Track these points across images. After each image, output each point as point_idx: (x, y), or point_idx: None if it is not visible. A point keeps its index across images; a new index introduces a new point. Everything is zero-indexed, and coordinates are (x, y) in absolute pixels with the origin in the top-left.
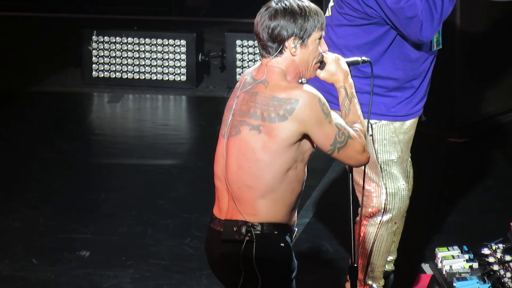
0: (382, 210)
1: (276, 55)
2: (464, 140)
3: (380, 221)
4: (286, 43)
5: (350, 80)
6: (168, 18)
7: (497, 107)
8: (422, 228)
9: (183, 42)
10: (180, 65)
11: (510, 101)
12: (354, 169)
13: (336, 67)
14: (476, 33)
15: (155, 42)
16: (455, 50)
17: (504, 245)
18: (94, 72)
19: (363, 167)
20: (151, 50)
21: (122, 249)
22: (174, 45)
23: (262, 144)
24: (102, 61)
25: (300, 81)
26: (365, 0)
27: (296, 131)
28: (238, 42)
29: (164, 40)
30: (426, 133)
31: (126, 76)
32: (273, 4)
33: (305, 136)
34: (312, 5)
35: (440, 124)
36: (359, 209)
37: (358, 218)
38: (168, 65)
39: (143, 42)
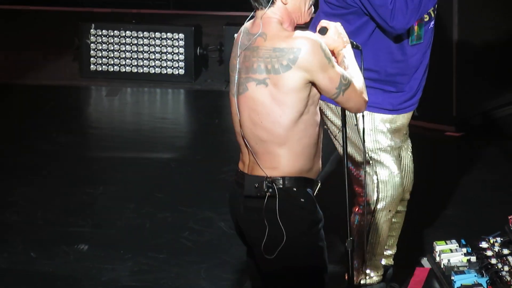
0: (375, 198)
1: (268, 6)
2: (461, 134)
3: (374, 209)
4: None
5: (350, 49)
6: (166, 12)
7: (494, 101)
8: (420, 222)
9: (181, 35)
10: (178, 59)
11: (506, 95)
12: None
13: (338, 32)
14: (473, 27)
15: (153, 36)
16: (452, 44)
17: (502, 239)
18: (92, 66)
19: (354, 155)
20: (149, 43)
21: (121, 242)
22: (172, 39)
23: (271, 96)
24: (100, 54)
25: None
26: None
27: (302, 79)
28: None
29: (162, 33)
30: (423, 126)
31: (124, 70)
32: None
33: (312, 82)
34: None
35: (437, 118)
36: (355, 199)
37: (354, 208)
38: (167, 58)
39: (141, 35)
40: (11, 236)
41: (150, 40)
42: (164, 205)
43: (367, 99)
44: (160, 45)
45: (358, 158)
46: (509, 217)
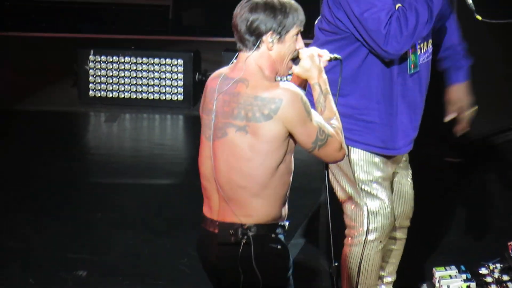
0: (366, 229)
1: (253, 50)
2: (460, 160)
3: (364, 240)
4: (264, 37)
5: (324, 76)
6: (165, 38)
7: (492, 127)
8: (420, 247)
9: (180, 61)
10: (177, 85)
11: (505, 121)
12: (338, 190)
13: (311, 63)
14: (472, 53)
15: (152, 62)
16: None
17: (501, 265)
18: (91, 92)
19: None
20: (148, 69)
21: (119, 269)
22: (171, 65)
23: (250, 144)
24: (99, 80)
25: (278, 79)
26: (335, 12)
27: (282, 130)
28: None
29: (161, 59)
30: (422, 152)
31: (123, 96)
32: None
33: (290, 133)
34: (293, 1)
35: (436, 143)
36: (346, 230)
37: (345, 240)
38: (165, 84)
39: (140, 61)
40: (9, 262)
41: (149, 66)
42: (162, 231)
43: (345, 151)
44: (159, 71)
45: (350, 190)
46: (509, 244)
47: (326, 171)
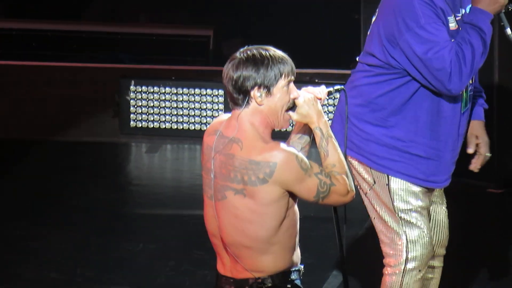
0: (405, 258)
1: (243, 107)
2: (503, 191)
3: (404, 269)
4: (251, 93)
5: (325, 119)
6: (206, 68)
7: None
8: (458, 280)
9: (220, 91)
10: (217, 115)
11: None
12: (376, 218)
13: (308, 108)
14: None
15: (192, 92)
16: (493, 101)
17: None
18: (132, 122)
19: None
20: (188, 99)
21: None
22: (211, 95)
23: (250, 207)
24: (140, 110)
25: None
26: (390, 50)
27: (279, 191)
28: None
29: (202, 89)
30: (465, 183)
31: (164, 126)
32: (237, 54)
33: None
34: (278, 52)
35: (479, 174)
36: (383, 259)
37: (384, 269)
38: (206, 114)
39: (181, 92)
40: None
41: (190, 96)
42: (203, 263)
43: (352, 193)
44: (200, 101)
45: (388, 219)
46: None
47: (335, 215)
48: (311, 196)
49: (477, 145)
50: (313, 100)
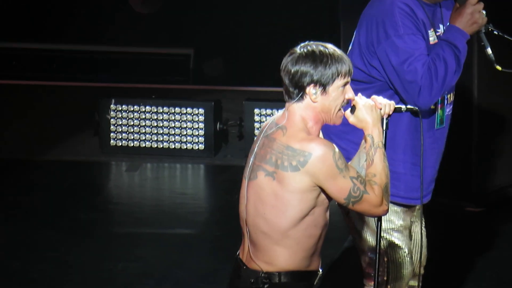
0: (386, 279)
1: (297, 101)
2: (481, 210)
3: None
4: (307, 90)
5: (380, 129)
6: (186, 87)
7: None
8: None
9: (201, 110)
10: (198, 134)
11: None
12: (357, 239)
13: (365, 113)
14: (493, 103)
15: (173, 111)
16: (472, 120)
17: None
18: (112, 141)
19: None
20: (169, 118)
21: None
22: (192, 114)
23: (275, 191)
24: (120, 129)
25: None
26: (369, 59)
27: (308, 183)
28: (256, 110)
29: (182, 108)
30: (443, 202)
31: (144, 145)
32: (297, 49)
33: (320, 187)
34: (338, 51)
35: (457, 193)
36: (364, 280)
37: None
38: (186, 133)
39: (161, 110)
40: None
41: (170, 115)
42: (183, 282)
43: (385, 207)
44: (180, 120)
45: (370, 238)
46: None
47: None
48: (342, 197)
49: None
50: (373, 107)
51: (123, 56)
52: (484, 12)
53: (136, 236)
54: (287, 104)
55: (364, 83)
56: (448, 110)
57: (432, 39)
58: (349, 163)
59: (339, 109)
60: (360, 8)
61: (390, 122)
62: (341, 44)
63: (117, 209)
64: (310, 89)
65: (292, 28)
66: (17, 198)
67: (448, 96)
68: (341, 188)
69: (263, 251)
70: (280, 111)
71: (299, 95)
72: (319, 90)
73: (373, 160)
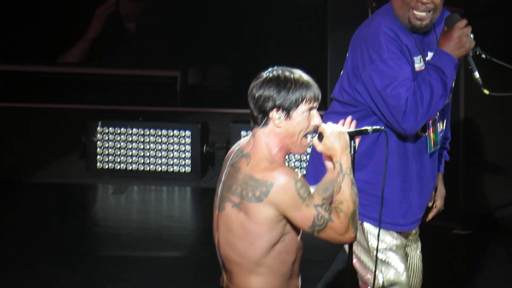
0: None
1: (262, 126)
2: (468, 232)
3: None
4: (270, 114)
5: (348, 155)
6: (173, 109)
7: (501, 199)
8: None
9: (188, 133)
10: (185, 156)
11: None
12: (354, 257)
13: (333, 141)
14: (480, 124)
15: (160, 133)
16: (459, 141)
17: None
18: (98, 163)
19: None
20: (156, 141)
21: None
22: (179, 136)
23: (243, 222)
24: (107, 152)
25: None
26: (354, 83)
27: (273, 213)
28: (243, 133)
29: (169, 131)
30: (430, 224)
31: (130, 167)
32: (263, 73)
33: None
34: (305, 77)
35: (445, 215)
36: None
37: None
38: (173, 156)
39: (148, 133)
40: None
41: (157, 137)
42: None
43: (352, 234)
44: (167, 143)
45: (365, 258)
46: None
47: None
48: (307, 226)
49: (434, 197)
50: (341, 134)
51: (110, 78)
52: (472, 35)
53: (123, 259)
54: (253, 130)
55: (351, 106)
56: (441, 135)
57: (420, 65)
58: (315, 187)
59: (304, 135)
60: (348, 30)
61: (378, 147)
62: (328, 65)
63: (104, 232)
64: (273, 114)
65: (280, 51)
66: (3, 220)
67: (439, 123)
68: (305, 217)
69: (237, 280)
70: (246, 137)
71: (264, 120)
72: (282, 115)
73: (340, 187)
